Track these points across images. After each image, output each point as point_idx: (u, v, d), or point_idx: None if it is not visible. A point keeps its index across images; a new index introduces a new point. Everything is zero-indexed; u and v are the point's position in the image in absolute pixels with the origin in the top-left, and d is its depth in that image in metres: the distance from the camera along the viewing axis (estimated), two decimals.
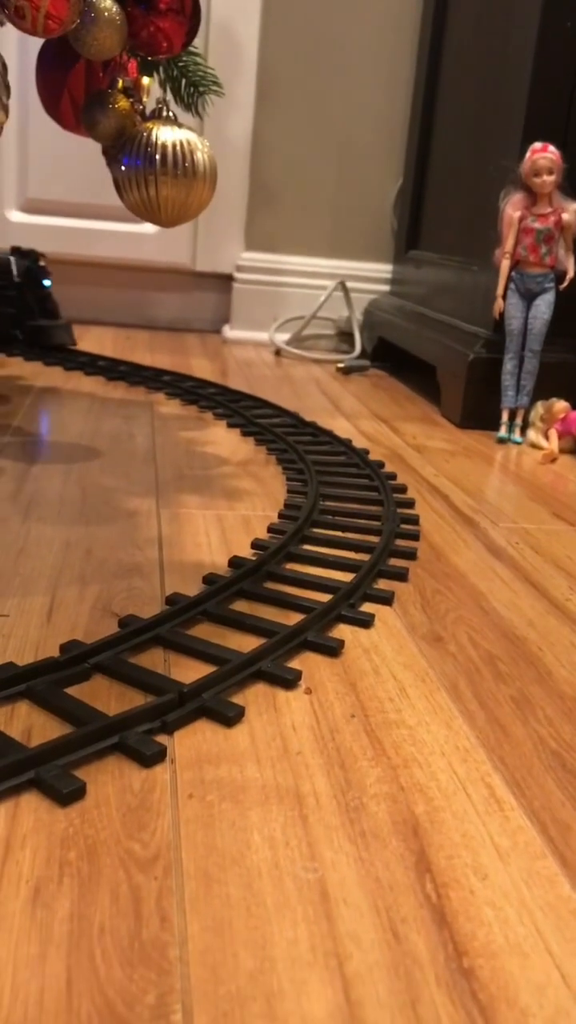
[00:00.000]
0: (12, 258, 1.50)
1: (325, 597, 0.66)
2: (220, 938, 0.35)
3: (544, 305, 1.26)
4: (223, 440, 1.12)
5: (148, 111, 0.84)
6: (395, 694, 0.55)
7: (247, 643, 0.58)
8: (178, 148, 0.80)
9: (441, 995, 0.34)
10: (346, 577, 0.71)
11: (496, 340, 1.30)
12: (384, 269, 1.94)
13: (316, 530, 0.81)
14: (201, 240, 1.91)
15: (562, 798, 0.46)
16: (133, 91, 0.85)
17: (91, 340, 1.75)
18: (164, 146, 0.80)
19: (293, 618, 0.62)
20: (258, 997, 0.33)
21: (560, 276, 1.26)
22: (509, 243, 1.25)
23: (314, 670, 0.57)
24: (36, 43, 0.83)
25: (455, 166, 1.59)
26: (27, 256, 1.53)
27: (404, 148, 1.86)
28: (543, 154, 1.21)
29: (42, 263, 1.52)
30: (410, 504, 0.92)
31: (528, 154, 1.22)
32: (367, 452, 1.08)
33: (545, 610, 0.70)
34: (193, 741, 0.48)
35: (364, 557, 0.75)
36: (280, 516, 0.85)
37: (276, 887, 0.38)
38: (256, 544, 0.76)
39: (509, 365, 1.28)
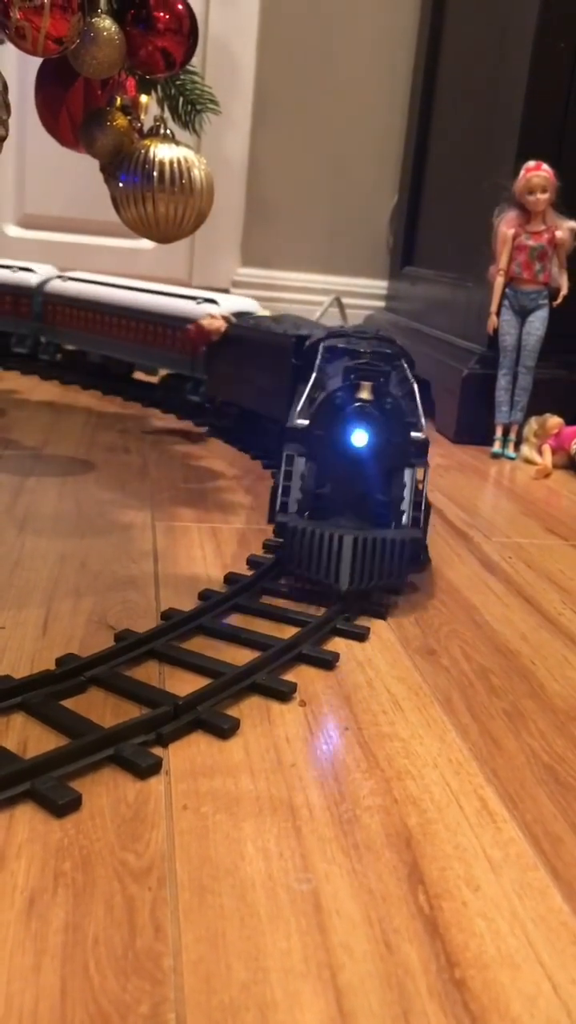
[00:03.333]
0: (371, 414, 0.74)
1: (320, 611, 0.66)
2: (214, 949, 0.35)
3: (538, 322, 1.27)
4: (219, 454, 1.13)
5: (146, 129, 0.85)
6: (389, 707, 0.56)
7: (242, 656, 0.59)
8: (175, 165, 0.81)
9: (433, 1006, 0.34)
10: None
11: (490, 356, 1.31)
12: (379, 285, 1.95)
13: None
14: (198, 256, 1.92)
15: (554, 811, 0.47)
16: (131, 109, 0.86)
17: None
18: (161, 163, 0.81)
19: (288, 631, 0.63)
20: (251, 1007, 0.33)
21: (554, 293, 1.27)
22: (503, 260, 1.26)
23: (309, 683, 0.57)
24: (36, 61, 0.84)
25: (450, 184, 1.60)
26: (384, 395, 0.74)
27: (399, 165, 1.88)
28: (537, 172, 1.22)
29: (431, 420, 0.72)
30: None
31: (522, 172, 1.23)
32: None
33: (538, 624, 0.70)
34: (188, 753, 0.48)
35: None
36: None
37: (269, 898, 0.38)
38: (251, 560, 0.77)
39: (503, 381, 1.28)
